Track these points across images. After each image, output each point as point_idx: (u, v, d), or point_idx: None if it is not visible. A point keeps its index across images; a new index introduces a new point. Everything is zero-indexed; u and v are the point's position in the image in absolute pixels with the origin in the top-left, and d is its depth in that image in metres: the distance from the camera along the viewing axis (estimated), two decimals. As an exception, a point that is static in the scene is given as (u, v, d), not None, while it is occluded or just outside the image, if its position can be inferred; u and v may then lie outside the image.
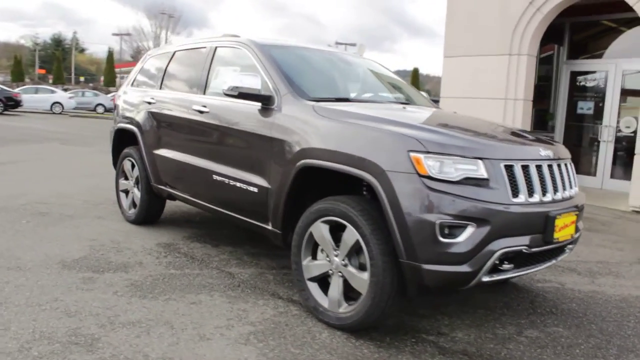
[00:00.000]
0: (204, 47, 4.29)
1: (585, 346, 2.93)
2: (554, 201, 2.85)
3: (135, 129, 4.77)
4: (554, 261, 3.07)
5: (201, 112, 3.94)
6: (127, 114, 5.00)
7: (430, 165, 2.56)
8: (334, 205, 2.87)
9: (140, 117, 4.73)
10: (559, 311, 3.45)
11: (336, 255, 2.92)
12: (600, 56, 8.93)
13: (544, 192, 2.82)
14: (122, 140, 5.18)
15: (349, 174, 2.83)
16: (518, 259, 2.74)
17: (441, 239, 2.53)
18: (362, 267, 2.84)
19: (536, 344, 2.92)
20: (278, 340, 2.75)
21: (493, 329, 3.09)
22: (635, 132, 8.22)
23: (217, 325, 2.89)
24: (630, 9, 7.46)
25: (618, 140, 8.44)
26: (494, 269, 2.66)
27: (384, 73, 4.52)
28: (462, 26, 9.20)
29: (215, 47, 4.14)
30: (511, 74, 8.60)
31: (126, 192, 5.13)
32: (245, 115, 3.54)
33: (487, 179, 2.61)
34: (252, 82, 3.36)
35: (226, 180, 3.64)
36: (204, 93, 4.06)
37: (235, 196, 3.57)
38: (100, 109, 31.68)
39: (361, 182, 3.05)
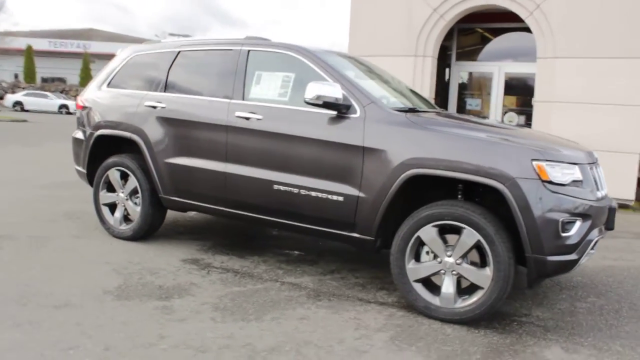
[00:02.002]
0: (229, 50, 4.05)
1: (626, 309, 3.63)
2: (607, 195, 3.46)
3: (134, 135, 4.29)
4: None
5: (247, 118, 3.76)
6: (114, 119, 4.45)
7: (549, 171, 2.95)
8: (451, 210, 3.09)
9: (141, 122, 4.26)
10: (581, 285, 4.12)
11: (449, 256, 3.15)
12: (486, 59, 10.28)
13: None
14: (101, 148, 4.61)
15: (467, 181, 3.10)
16: (595, 245, 3.29)
17: (562, 233, 2.94)
18: (474, 264, 3.13)
19: (595, 313, 3.51)
20: (421, 341, 2.90)
21: (554, 305, 3.62)
22: (517, 125, 9.71)
23: (354, 336, 2.91)
24: (514, 19, 8.76)
25: (503, 132, 9.86)
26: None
27: (396, 77, 4.77)
28: (368, 28, 9.77)
29: (248, 51, 3.96)
30: (417, 74, 9.45)
31: (111, 205, 4.59)
32: (316, 123, 3.51)
33: (581, 181, 3.09)
34: (333, 91, 3.36)
35: (295, 190, 3.57)
36: (243, 99, 3.88)
37: (309, 205, 3.53)
38: None
39: (456, 187, 3.33)
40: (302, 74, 3.71)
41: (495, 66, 9.96)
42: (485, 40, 10.39)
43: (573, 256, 3.01)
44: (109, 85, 4.69)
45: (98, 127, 4.55)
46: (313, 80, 3.55)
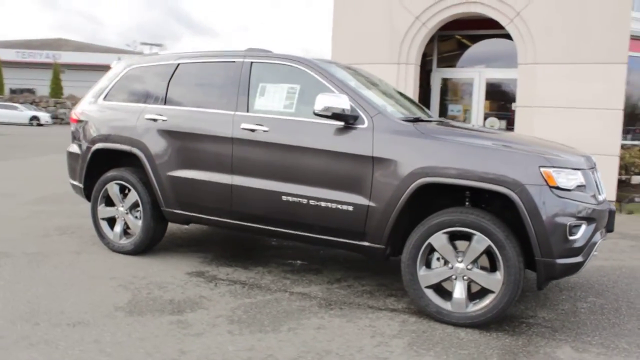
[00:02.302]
0: (231, 62, 4.07)
1: (625, 308, 3.76)
2: (606, 199, 3.59)
3: (134, 149, 4.25)
4: None
5: (253, 130, 3.78)
6: (113, 132, 4.41)
7: (556, 177, 3.06)
8: (462, 217, 3.16)
9: (141, 135, 4.23)
10: (579, 285, 4.25)
11: (460, 261, 3.22)
12: (466, 65, 10.51)
13: (601, 191, 3.54)
14: (99, 162, 4.55)
15: (474, 188, 3.18)
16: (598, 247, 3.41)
17: (569, 237, 3.05)
18: (484, 269, 3.21)
19: (597, 312, 3.62)
20: (438, 346, 2.95)
21: (557, 306, 3.73)
22: (499, 129, 9.93)
23: (372, 344, 2.95)
24: (494, 26, 8.99)
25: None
26: (589, 256, 3.28)
27: (389, 84, 4.85)
28: (350, 36, 9.87)
29: (251, 63, 3.99)
30: (400, 81, 9.59)
31: (110, 220, 4.53)
32: (324, 135, 3.56)
33: (585, 185, 3.21)
34: (341, 103, 3.41)
35: (304, 201, 3.60)
36: (248, 111, 3.89)
37: (319, 216, 3.56)
38: None
39: (462, 194, 3.42)
40: (307, 86, 3.75)
41: (475, 72, 10.18)
42: (464, 47, 10.62)
43: (579, 258, 3.12)
44: (105, 98, 4.64)
45: (95, 140, 4.50)
46: (318, 91, 3.59)
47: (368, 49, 9.65)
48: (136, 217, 4.39)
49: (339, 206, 3.49)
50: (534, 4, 8.27)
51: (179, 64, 4.33)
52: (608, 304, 3.82)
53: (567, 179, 3.11)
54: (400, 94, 4.79)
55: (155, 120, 4.21)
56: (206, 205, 4.05)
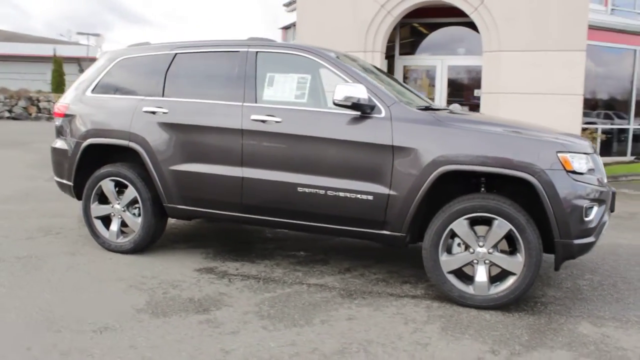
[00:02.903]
0: (235, 52, 3.96)
1: (620, 283, 4.02)
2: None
3: (132, 143, 4.06)
4: None
5: (264, 121, 3.71)
6: (107, 127, 4.19)
7: (572, 161, 3.21)
8: (483, 203, 3.26)
9: (139, 129, 4.04)
10: (572, 264, 4.44)
11: (481, 246, 3.33)
12: (428, 52, 10.71)
13: (600, 174, 3.75)
14: (90, 158, 4.32)
15: (489, 174, 3.30)
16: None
17: (585, 218, 3.22)
18: (504, 252, 3.34)
19: (598, 289, 3.84)
20: (470, 329, 3.04)
21: (561, 285, 3.92)
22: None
23: (408, 331, 3.00)
24: (457, 14, 9.21)
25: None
26: (597, 236, 3.48)
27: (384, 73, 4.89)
28: (315, 24, 9.82)
29: (256, 52, 3.90)
30: (367, 68, 9.68)
31: (104, 218, 4.32)
32: (340, 125, 3.54)
33: (594, 169, 3.39)
34: (359, 92, 3.41)
35: (321, 192, 3.58)
36: (256, 102, 3.81)
37: (337, 206, 3.56)
38: None
39: (476, 181, 3.52)
40: (318, 75, 3.72)
41: (438, 60, 10.42)
42: (425, 35, 10.83)
43: (592, 238, 3.30)
44: (93, 91, 4.39)
45: (86, 135, 4.26)
46: (331, 81, 3.59)
47: (334, 37, 9.62)
48: (134, 215, 4.22)
49: (359, 196, 3.51)
50: (497, -7, 8.54)
51: (176, 54, 4.16)
52: (604, 280, 4.07)
53: (580, 163, 3.28)
54: (391, 77, 4.82)
55: (154, 112, 4.04)
56: (213, 199, 3.95)
